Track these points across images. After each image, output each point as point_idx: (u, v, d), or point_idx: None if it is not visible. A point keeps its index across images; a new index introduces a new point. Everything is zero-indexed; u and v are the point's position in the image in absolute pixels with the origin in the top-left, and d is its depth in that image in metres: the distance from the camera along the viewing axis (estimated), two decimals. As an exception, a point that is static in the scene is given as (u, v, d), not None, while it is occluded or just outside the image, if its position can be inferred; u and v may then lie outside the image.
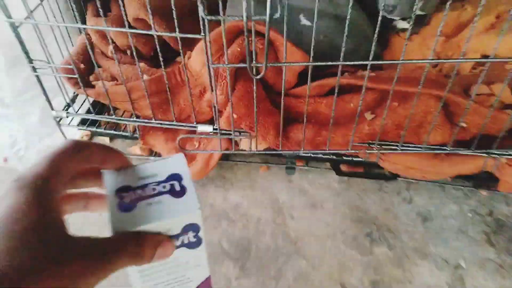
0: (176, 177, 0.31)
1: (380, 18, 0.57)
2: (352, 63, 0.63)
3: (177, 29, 0.69)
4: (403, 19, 0.96)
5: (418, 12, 0.90)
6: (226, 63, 0.62)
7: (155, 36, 0.73)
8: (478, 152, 0.79)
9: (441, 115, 0.78)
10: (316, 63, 0.63)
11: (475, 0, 1.07)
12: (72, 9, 0.71)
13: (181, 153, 0.34)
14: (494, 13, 1.02)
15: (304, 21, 0.90)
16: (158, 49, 0.74)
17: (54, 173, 0.25)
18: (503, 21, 0.99)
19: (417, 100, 0.73)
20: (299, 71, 0.85)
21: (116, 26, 0.99)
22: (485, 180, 0.91)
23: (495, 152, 0.79)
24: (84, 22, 1.03)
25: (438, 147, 0.81)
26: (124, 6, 0.70)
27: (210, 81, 0.72)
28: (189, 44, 0.87)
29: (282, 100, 0.70)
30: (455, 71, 0.68)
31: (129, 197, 0.29)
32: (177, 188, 0.30)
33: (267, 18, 0.56)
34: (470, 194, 0.94)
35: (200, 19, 0.63)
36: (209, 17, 0.56)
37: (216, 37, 0.76)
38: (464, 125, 0.79)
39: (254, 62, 0.63)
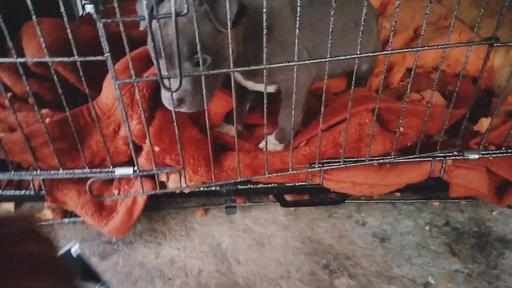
0: None
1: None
2: (304, 62, 0.56)
3: (75, 54, 0.59)
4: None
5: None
6: (133, 77, 0.53)
7: (55, 79, 0.63)
8: (423, 156, 0.74)
9: (376, 125, 0.73)
10: (238, 69, 0.56)
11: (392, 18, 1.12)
12: None
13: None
14: (412, 28, 1.06)
15: None
16: (58, 86, 0.63)
17: None
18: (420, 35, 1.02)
19: (349, 115, 0.68)
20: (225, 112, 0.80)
21: (12, 73, 0.88)
22: (434, 190, 0.87)
23: (440, 154, 0.75)
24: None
25: (382, 157, 0.75)
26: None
27: (122, 107, 0.61)
28: (99, 87, 0.78)
29: (207, 121, 0.61)
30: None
31: None
32: None
33: (173, 16, 0.49)
34: (423, 207, 0.88)
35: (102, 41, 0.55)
36: (103, 20, 0.47)
37: (125, 61, 0.68)
38: (401, 129, 0.75)
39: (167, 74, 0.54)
